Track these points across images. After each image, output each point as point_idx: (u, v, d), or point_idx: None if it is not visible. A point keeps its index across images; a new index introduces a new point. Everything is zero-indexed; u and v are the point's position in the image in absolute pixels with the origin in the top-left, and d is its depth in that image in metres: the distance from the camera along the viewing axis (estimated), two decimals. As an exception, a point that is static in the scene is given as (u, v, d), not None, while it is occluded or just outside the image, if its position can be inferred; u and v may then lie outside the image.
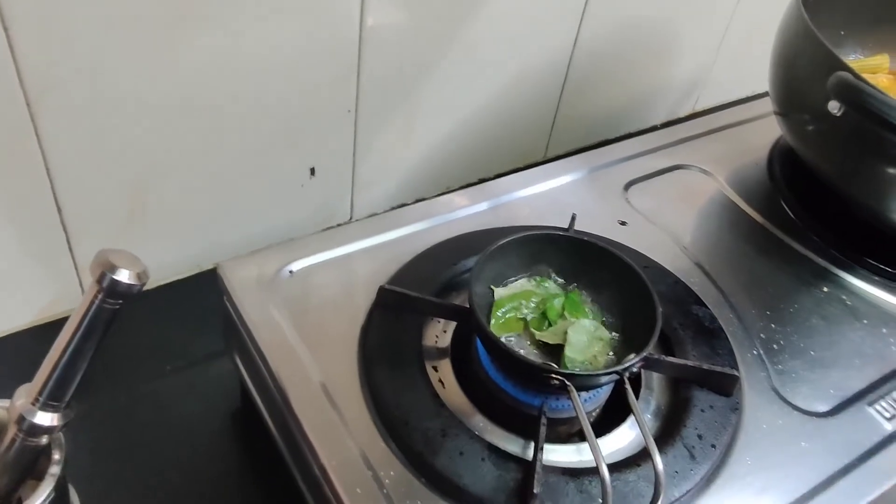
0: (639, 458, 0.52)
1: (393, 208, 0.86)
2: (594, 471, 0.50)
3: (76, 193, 0.64)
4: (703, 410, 0.56)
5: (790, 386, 0.61)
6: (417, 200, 0.85)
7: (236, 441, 0.65)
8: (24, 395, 0.44)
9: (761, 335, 0.64)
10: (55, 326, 0.68)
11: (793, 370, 0.62)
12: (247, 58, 0.64)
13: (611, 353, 0.56)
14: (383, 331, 0.58)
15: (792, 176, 0.80)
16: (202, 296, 0.72)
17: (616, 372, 0.50)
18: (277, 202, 0.77)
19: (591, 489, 0.50)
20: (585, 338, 0.55)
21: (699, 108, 1.11)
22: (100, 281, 0.42)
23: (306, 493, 0.55)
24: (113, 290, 0.42)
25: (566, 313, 0.58)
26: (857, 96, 0.59)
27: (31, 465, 0.46)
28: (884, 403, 0.61)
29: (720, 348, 0.61)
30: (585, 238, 0.60)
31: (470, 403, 0.55)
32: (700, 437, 0.54)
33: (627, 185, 0.77)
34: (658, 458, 0.48)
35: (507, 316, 0.57)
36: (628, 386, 0.51)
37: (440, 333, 0.60)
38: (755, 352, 0.63)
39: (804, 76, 0.71)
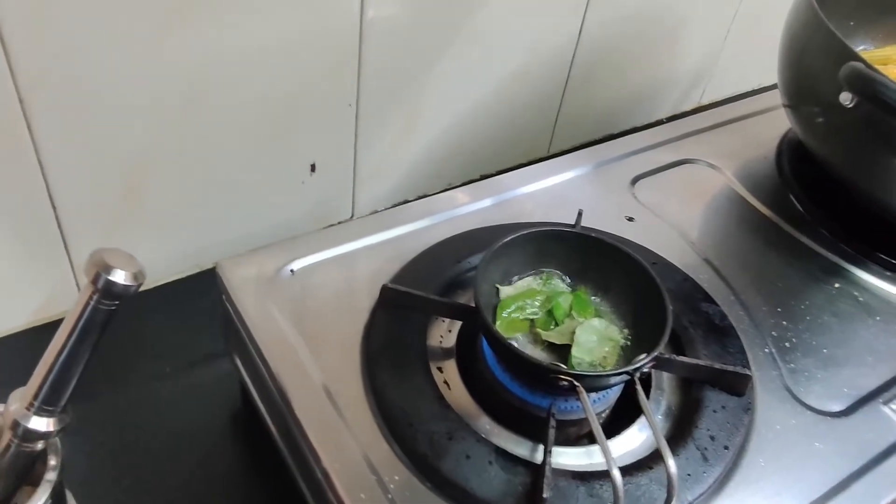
0: (650, 460, 0.51)
1: (395, 205, 0.85)
2: (605, 474, 0.49)
3: (71, 191, 0.63)
4: (714, 411, 0.55)
5: (803, 385, 0.59)
6: (419, 197, 0.84)
7: (236, 443, 0.64)
8: (18, 399, 0.42)
9: (773, 333, 0.63)
10: (50, 328, 0.67)
11: (805, 369, 0.61)
12: (244, 51, 0.63)
13: (620, 354, 0.54)
14: (387, 330, 0.56)
15: (801, 170, 0.79)
16: (201, 295, 0.71)
17: (627, 372, 0.49)
18: (277, 199, 0.75)
19: (602, 493, 0.49)
20: (594, 338, 0.54)
21: (705, 101, 1.10)
22: (95, 282, 0.40)
23: (308, 498, 0.54)
24: (108, 291, 0.41)
25: (573, 312, 0.56)
26: (872, 87, 0.57)
27: (26, 471, 0.45)
28: (899, 402, 0.60)
29: (731, 347, 0.59)
30: (593, 234, 0.59)
31: (476, 405, 0.54)
32: (712, 438, 0.53)
33: (634, 180, 0.75)
34: (671, 461, 0.46)
35: (512, 316, 0.56)
36: (639, 387, 0.50)
37: (445, 333, 0.59)
38: (767, 350, 0.61)
39: (815, 67, 0.69)
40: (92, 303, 0.41)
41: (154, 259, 0.71)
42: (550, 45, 0.85)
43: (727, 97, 1.10)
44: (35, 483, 0.45)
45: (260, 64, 0.65)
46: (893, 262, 0.71)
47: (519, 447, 0.52)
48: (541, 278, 0.59)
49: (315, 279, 0.61)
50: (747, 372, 0.56)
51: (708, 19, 0.98)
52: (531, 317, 0.56)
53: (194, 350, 0.70)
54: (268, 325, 0.56)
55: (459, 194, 0.71)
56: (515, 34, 0.80)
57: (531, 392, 0.52)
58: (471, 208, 0.70)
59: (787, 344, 0.62)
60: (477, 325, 0.54)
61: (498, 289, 0.57)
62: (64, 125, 0.59)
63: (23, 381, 0.42)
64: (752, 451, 0.54)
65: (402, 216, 0.68)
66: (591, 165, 0.77)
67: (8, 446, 0.43)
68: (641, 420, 0.54)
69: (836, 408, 0.59)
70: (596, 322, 0.55)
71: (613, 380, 0.50)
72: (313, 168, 0.75)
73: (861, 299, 0.68)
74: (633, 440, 0.54)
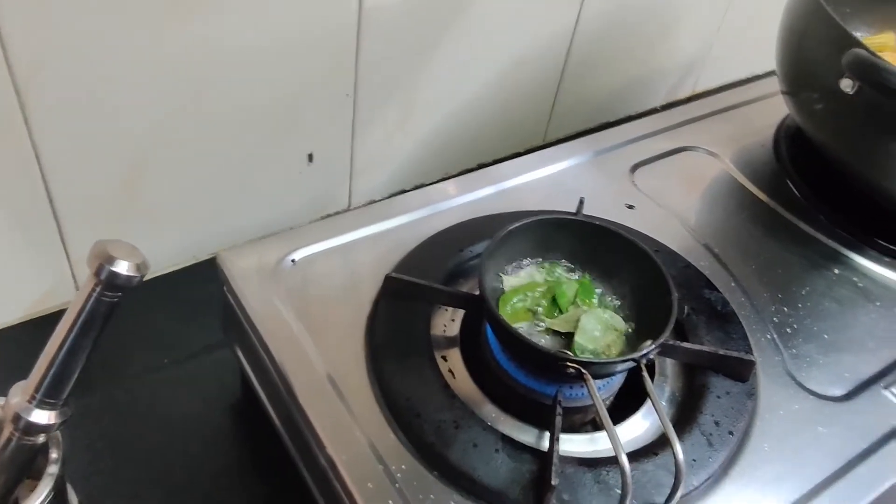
0: (655, 446, 0.51)
1: (391, 195, 0.84)
2: (611, 460, 0.49)
3: (68, 182, 0.62)
4: (718, 397, 0.55)
5: (805, 370, 0.60)
6: (416, 187, 0.84)
7: (237, 434, 0.64)
8: (19, 392, 0.42)
9: (774, 319, 0.63)
10: (48, 321, 0.67)
11: (807, 354, 0.61)
12: (243, 44, 0.62)
13: (624, 341, 0.54)
14: (390, 320, 0.56)
15: (799, 156, 0.79)
16: (199, 286, 0.70)
17: (633, 359, 0.49)
18: (275, 190, 0.75)
19: (609, 479, 0.49)
20: (599, 326, 0.53)
21: (699, 89, 1.10)
22: (98, 273, 0.40)
23: (313, 488, 0.53)
24: (111, 283, 0.40)
25: (578, 300, 0.56)
26: (876, 73, 0.57)
27: (28, 465, 0.44)
28: (900, 387, 0.60)
29: (734, 333, 0.59)
30: (597, 222, 0.59)
31: (481, 393, 0.54)
32: (717, 423, 0.53)
33: (633, 168, 0.75)
34: (678, 447, 0.47)
35: (516, 306, 0.56)
36: (645, 373, 0.50)
37: (448, 322, 0.58)
38: (769, 336, 0.61)
39: (815, 54, 0.69)
40: (94, 295, 0.41)
41: (151, 250, 0.69)
42: (547, 35, 0.84)
43: (720, 85, 1.10)
44: (37, 477, 0.44)
45: (258, 56, 0.64)
46: (892, 247, 0.71)
47: (525, 435, 0.52)
48: (544, 267, 0.59)
49: (316, 269, 0.60)
50: (751, 357, 0.56)
51: (701, 7, 0.98)
52: (535, 307, 0.56)
53: (193, 341, 0.69)
54: (270, 315, 0.56)
55: (457, 184, 0.71)
56: (512, 23, 0.80)
57: (537, 380, 0.52)
58: (470, 198, 0.69)
59: (788, 330, 0.63)
60: (482, 313, 0.53)
61: (502, 277, 0.57)
62: (61, 118, 0.58)
63: (19, 375, 0.42)
64: (756, 436, 0.54)
65: (401, 206, 0.67)
66: (589, 154, 0.76)
67: (9, 440, 0.43)
68: (645, 407, 0.54)
69: (838, 392, 0.59)
70: (601, 311, 0.55)
71: (620, 367, 0.50)
72: (311, 158, 0.75)
73: (861, 285, 0.68)
74: (638, 427, 0.54)
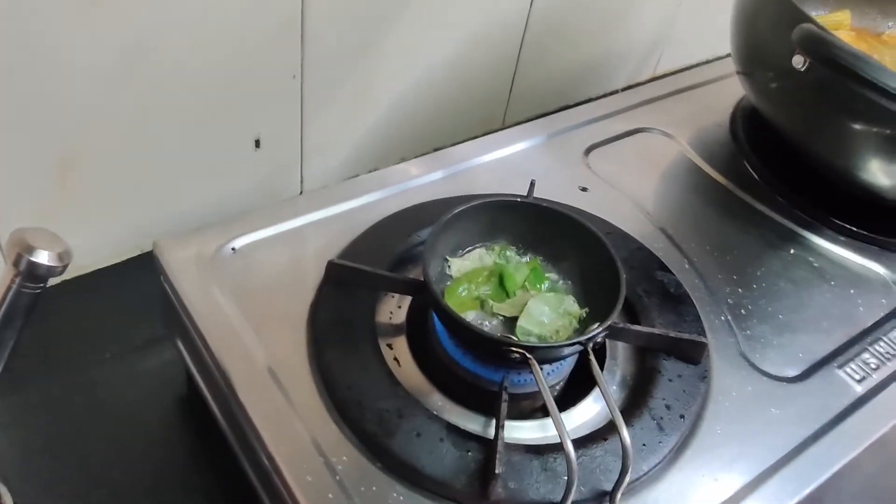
0: (605, 431, 0.50)
1: (346, 180, 0.82)
2: (559, 447, 0.48)
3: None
4: (670, 380, 0.54)
5: (759, 351, 0.59)
6: (371, 171, 0.82)
7: (183, 431, 0.62)
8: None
9: (728, 300, 0.62)
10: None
11: (761, 335, 0.60)
12: (180, 19, 0.60)
13: (577, 326, 0.53)
14: (333, 308, 0.54)
15: (755, 137, 0.78)
16: (143, 279, 0.67)
17: (580, 342, 0.48)
18: (221, 176, 0.72)
19: (556, 466, 0.47)
20: (547, 310, 0.52)
21: (660, 71, 1.08)
22: (16, 264, 0.38)
23: (256, 483, 0.52)
24: (31, 273, 0.38)
25: (527, 284, 0.55)
26: (824, 48, 0.56)
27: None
28: (853, 366, 0.59)
29: (687, 315, 0.58)
30: (545, 204, 0.57)
31: (427, 381, 0.52)
32: (668, 407, 0.52)
33: (588, 150, 0.74)
34: (625, 432, 0.45)
35: (463, 293, 0.54)
36: (592, 357, 0.48)
37: (395, 309, 0.57)
38: (723, 318, 0.61)
39: (767, 32, 0.68)
40: (14, 287, 0.39)
41: (92, 242, 0.68)
42: (503, 13, 0.82)
43: (683, 67, 1.09)
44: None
45: (197, 32, 0.61)
46: (847, 226, 0.71)
47: (471, 423, 0.50)
48: (493, 250, 0.57)
49: (258, 257, 0.58)
50: (703, 339, 0.55)
51: (662, -13, 0.96)
52: (483, 292, 0.54)
53: (136, 335, 0.67)
54: (209, 307, 0.54)
55: (411, 167, 0.69)
56: (467, 2, 0.78)
57: (483, 366, 0.51)
58: (423, 181, 0.68)
59: (742, 311, 0.62)
60: (426, 299, 0.52)
61: (448, 262, 0.56)
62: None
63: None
64: (709, 419, 0.53)
65: (350, 190, 0.65)
66: (544, 136, 0.75)
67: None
68: (596, 391, 0.53)
69: (792, 373, 0.58)
70: (551, 295, 0.54)
71: (566, 350, 0.49)
72: (258, 143, 0.72)
73: (816, 265, 0.67)
74: (589, 412, 0.52)
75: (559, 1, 0.86)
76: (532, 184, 0.62)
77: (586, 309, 0.54)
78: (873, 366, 0.60)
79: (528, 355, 0.46)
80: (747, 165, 0.76)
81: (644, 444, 0.49)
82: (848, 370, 0.59)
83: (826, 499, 0.52)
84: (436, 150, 0.87)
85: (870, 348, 0.61)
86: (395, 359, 0.53)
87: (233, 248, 0.58)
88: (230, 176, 0.73)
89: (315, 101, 0.73)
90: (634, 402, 0.52)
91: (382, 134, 0.82)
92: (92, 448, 0.59)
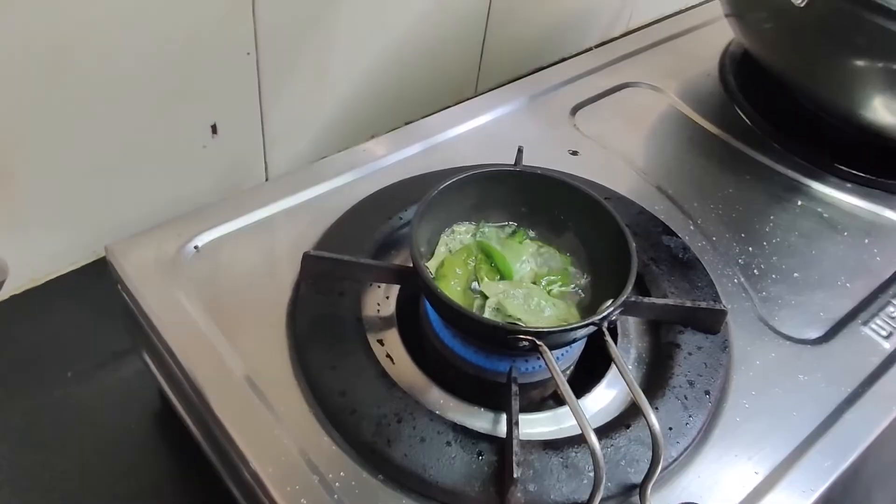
0: (626, 418, 0.46)
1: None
2: (578, 439, 0.44)
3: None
4: (690, 353, 0.49)
5: (777, 314, 0.55)
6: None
7: (158, 450, 0.56)
8: None
9: (739, 260, 0.58)
10: None
11: (778, 296, 0.56)
12: (107, 5, 0.53)
13: (578, 291, 0.48)
14: (314, 305, 0.49)
15: (748, 83, 0.74)
16: (103, 285, 0.61)
17: (594, 323, 0.43)
18: (177, 168, 0.66)
19: (579, 462, 0.43)
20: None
21: (633, 25, 1.03)
22: (-57, 282, 0.32)
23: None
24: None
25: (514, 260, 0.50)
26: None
27: None
28: (878, 321, 0.55)
29: (699, 281, 0.54)
30: (538, 172, 0.52)
31: (425, 378, 0.47)
32: (691, 383, 0.48)
33: (574, 110, 0.69)
34: (653, 417, 0.41)
35: (456, 275, 0.49)
36: (608, 338, 0.43)
37: (382, 301, 0.51)
38: (736, 280, 0.56)
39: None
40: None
41: (42, 250, 0.62)
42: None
43: (656, 19, 1.04)
44: None
45: (130, 16, 0.55)
46: (853, 172, 0.67)
47: (479, 420, 0.46)
48: (483, 228, 0.52)
49: (224, 255, 0.53)
50: (722, 307, 0.50)
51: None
52: (477, 274, 0.49)
53: (100, 349, 0.61)
54: (174, 315, 0.48)
55: (383, 144, 0.64)
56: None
57: (487, 356, 0.46)
58: (397, 157, 0.63)
59: (755, 271, 0.57)
60: (418, 287, 0.47)
61: (438, 244, 0.50)
62: None
63: None
64: (735, 393, 0.49)
65: (320, 173, 0.60)
66: (524, 99, 0.70)
67: None
68: (610, 374, 0.49)
69: (815, 334, 0.54)
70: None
71: (579, 333, 0.44)
72: (215, 129, 0.66)
73: (826, 215, 0.63)
74: (603, 398, 0.48)
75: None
76: (520, 151, 0.56)
77: (586, 278, 0.49)
78: (899, 319, 0.56)
79: (539, 342, 0.41)
80: (741, 114, 0.72)
81: (671, 428, 0.45)
82: (873, 326, 0.55)
83: (866, 466, 0.48)
84: (407, 123, 0.81)
85: (893, 301, 0.57)
86: (388, 356, 0.48)
87: (195, 247, 0.52)
88: (188, 167, 0.67)
89: (273, 78, 0.67)
90: (654, 382, 0.48)
91: (349, 111, 0.77)
92: (58, 480, 0.53)
